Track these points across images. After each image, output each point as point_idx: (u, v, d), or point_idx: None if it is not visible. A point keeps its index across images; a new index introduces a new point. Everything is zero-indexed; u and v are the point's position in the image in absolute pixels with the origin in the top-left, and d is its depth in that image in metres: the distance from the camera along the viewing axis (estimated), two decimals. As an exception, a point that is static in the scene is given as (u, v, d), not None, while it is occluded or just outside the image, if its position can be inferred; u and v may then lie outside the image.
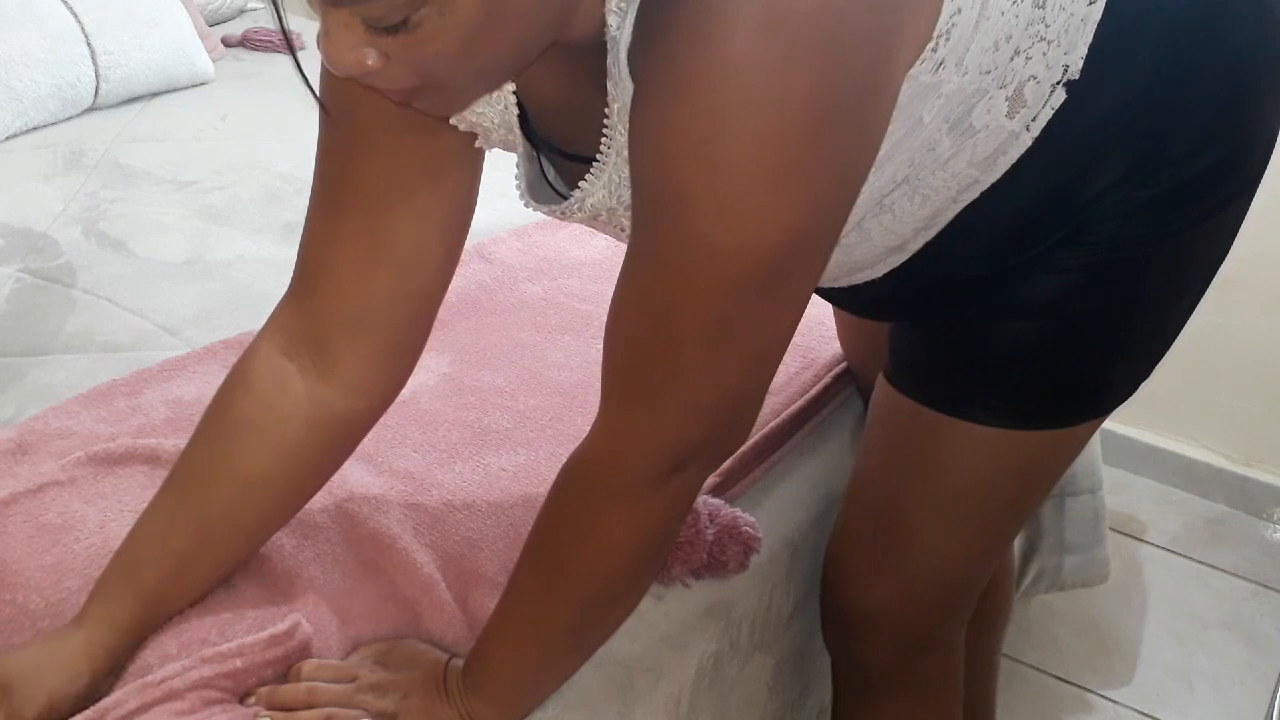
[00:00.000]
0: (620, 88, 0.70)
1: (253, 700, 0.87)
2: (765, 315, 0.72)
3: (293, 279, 0.91)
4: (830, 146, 0.66)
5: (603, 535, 0.80)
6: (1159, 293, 0.90)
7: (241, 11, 2.43)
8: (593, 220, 0.83)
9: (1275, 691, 1.72)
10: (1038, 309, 0.88)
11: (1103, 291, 0.88)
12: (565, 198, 0.83)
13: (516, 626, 0.85)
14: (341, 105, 0.82)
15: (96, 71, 1.90)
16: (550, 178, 0.86)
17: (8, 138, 1.79)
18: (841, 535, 1.09)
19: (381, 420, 1.17)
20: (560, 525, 0.83)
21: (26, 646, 0.87)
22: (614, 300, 0.75)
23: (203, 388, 1.19)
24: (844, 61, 0.64)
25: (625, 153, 0.72)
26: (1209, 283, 0.93)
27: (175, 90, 2.04)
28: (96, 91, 1.91)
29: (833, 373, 1.32)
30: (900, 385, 0.97)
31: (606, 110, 0.74)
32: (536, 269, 1.48)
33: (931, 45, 0.71)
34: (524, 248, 1.53)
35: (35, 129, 1.83)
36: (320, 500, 1.05)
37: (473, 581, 0.99)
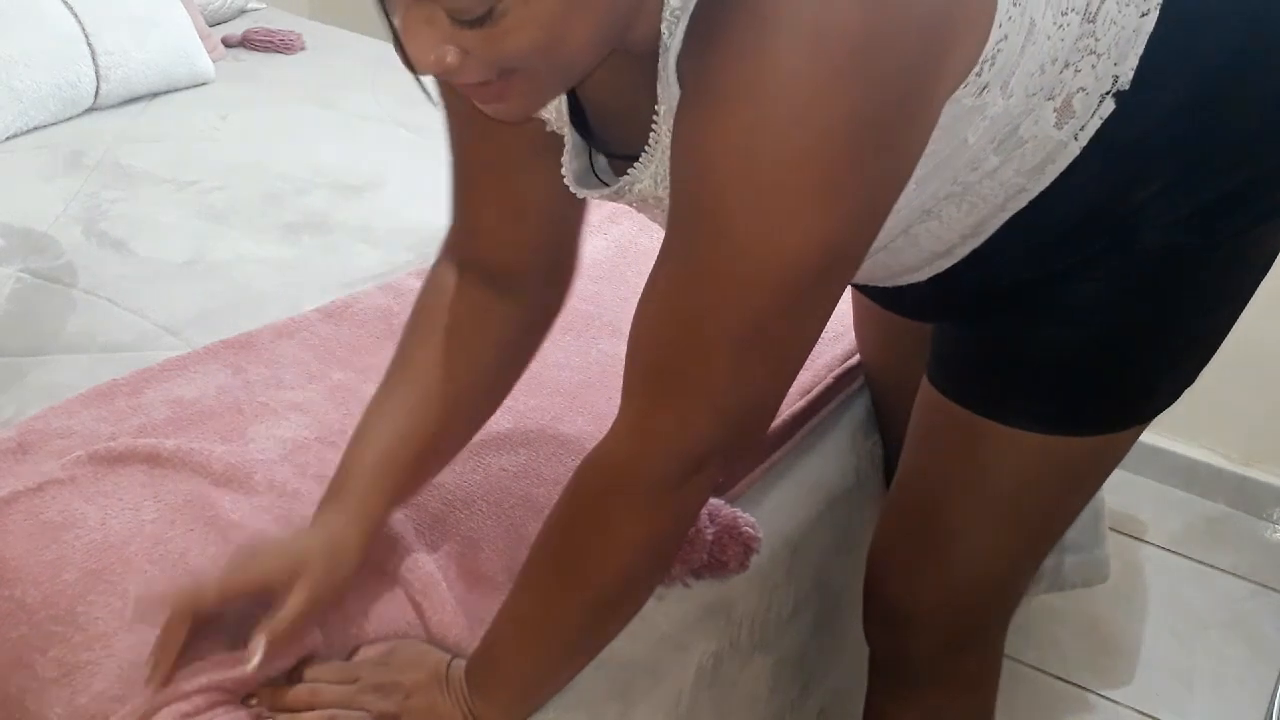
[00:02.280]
0: (667, 92, 0.71)
1: (255, 701, 0.87)
2: (794, 324, 0.73)
3: (451, 230, 0.98)
4: (867, 166, 0.67)
5: (620, 534, 0.81)
6: (1204, 300, 0.90)
7: (242, 12, 2.43)
8: (643, 204, 0.85)
9: (1275, 691, 1.72)
10: (1083, 315, 0.88)
11: (1148, 298, 0.88)
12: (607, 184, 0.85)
13: (525, 626, 0.86)
14: (448, 95, 0.88)
15: (97, 72, 1.90)
16: (598, 170, 0.88)
17: (8, 138, 1.79)
18: (885, 531, 1.10)
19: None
20: (577, 525, 0.83)
21: (302, 532, 0.91)
22: (644, 300, 0.76)
23: (203, 388, 1.19)
24: (886, 85, 0.65)
25: (669, 151, 0.73)
26: (1255, 289, 0.93)
27: (175, 90, 2.04)
28: (97, 92, 1.91)
29: (833, 373, 1.32)
30: (943, 388, 0.97)
31: (656, 109, 0.75)
32: (537, 269, 1.48)
33: (976, 70, 0.72)
34: (524, 248, 1.53)
35: (36, 129, 1.83)
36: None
37: (473, 581, 1.00)
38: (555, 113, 0.85)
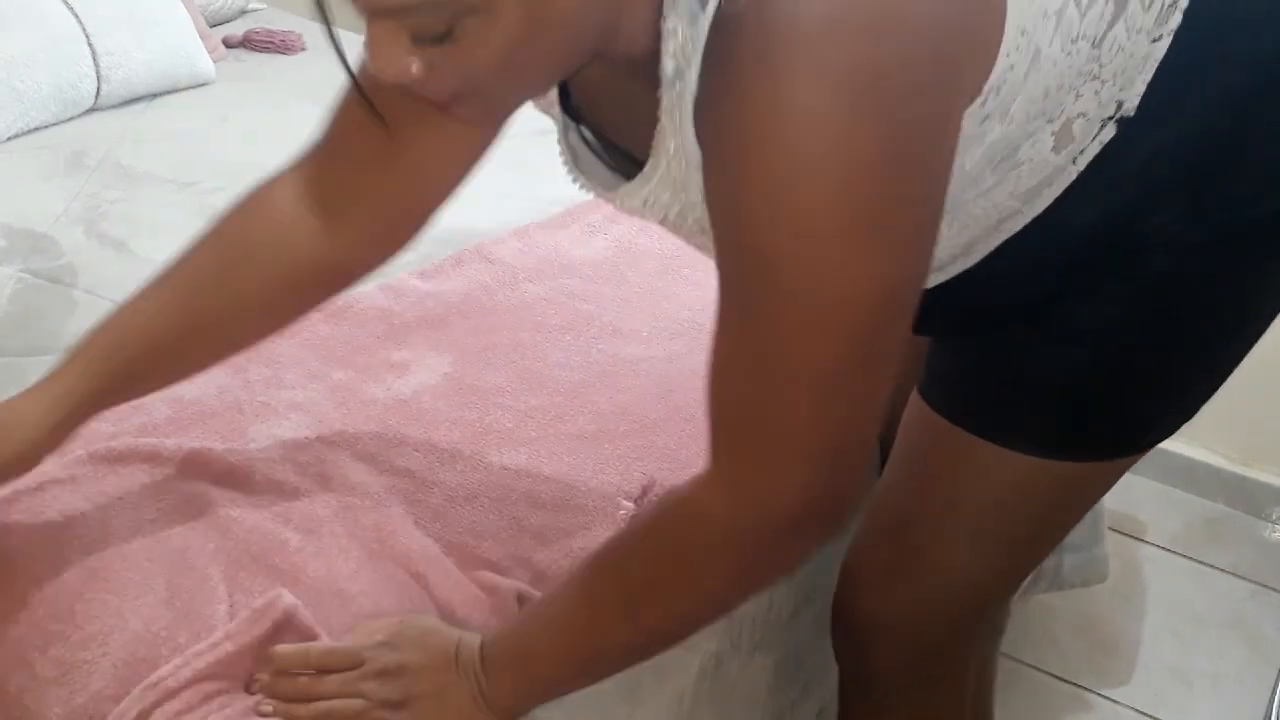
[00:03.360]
0: (677, 129, 0.71)
1: (256, 687, 0.87)
2: (867, 362, 0.71)
3: (317, 144, 0.94)
4: (907, 195, 0.67)
5: (698, 586, 0.79)
6: (1210, 333, 0.88)
7: (243, 12, 2.43)
8: (637, 212, 0.84)
9: (1274, 691, 1.72)
10: (1080, 336, 0.86)
11: (1149, 326, 0.86)
12: (609, 167, 0.84)
13: (567, 632, 0.84)
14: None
15: (98, 72, 1.90)
16: (593, 146, 0.86)
17: (9, 138, 1.79)
18: (859, 543, 1.08)
19: (382, 419, 1.17)
20: (656, 564, 0.81)
21: None
22: (714, 359, 0.74)
23: (204, 387, 1.19)
24: (910, 110, 0.64)
25: (674, 172, 0.73)
26: (1268, 325, 0.90)
27: (176, 91, 2.04)
28: (98, 92, 1.91)
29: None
30: (933, 401, 0.95)
31: (656, 131, 0.74)
32: (537, 269, 1.48)
33: (981, 99, 0.70)
34: (524, 248, 1.53)
35: (36, 129, 1.83)
36: (322, 498, 1.05)
37: (474, 568, 1.00)
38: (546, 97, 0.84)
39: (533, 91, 0.75)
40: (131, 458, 1.07)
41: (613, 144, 0.84)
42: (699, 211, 0.75)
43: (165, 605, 0.93)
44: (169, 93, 2.03)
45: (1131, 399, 0.90)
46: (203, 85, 2.08)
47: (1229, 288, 0.85)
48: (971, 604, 1.05)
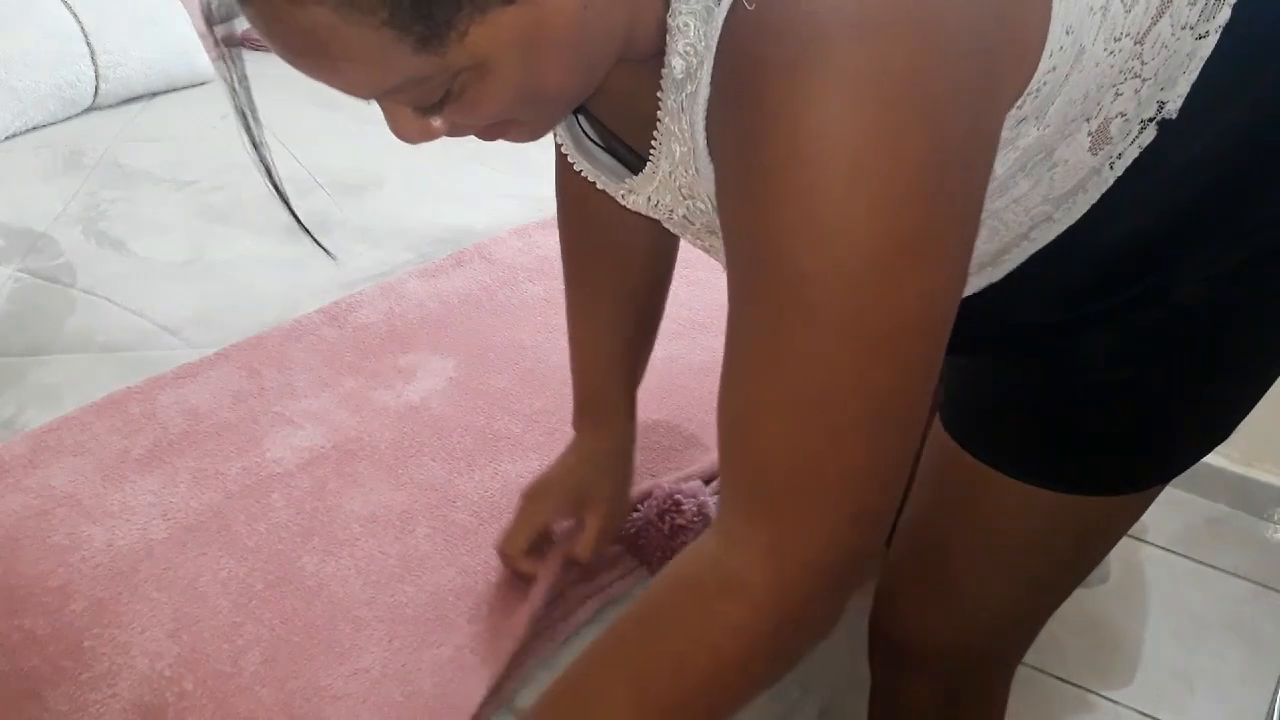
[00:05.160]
0: (684, 134, 0.67)
1: None
2: (919, 380, 0.65)
3: None
4: (952, 203, 0.61)
5: (750, 670, 0.70)
6: (1242, 362, 0.84)
7: (241, 10, 2.43)
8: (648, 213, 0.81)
9: (1275, 692, 1.72)
10: (1105, 369, 0.82)
11: (1179, 356, 0.81)
12: (600, 146, 0.81)
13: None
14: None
15: (96, 71, 1.90)
16: (589, 133, 0.83)
17: (7, 137, 1.79)
18: (892, 569, 1.05)
19: (397, 427, 1.16)
20: (694, 659, 0.69)
21: (575, 463, 1.00)
22: (740, 408, 0.67)
23: (218, 397, 1.19)
24: (951, 113, 0.59)
25: (679, 178, 0.70)
26: None
27: (175, 90, 2.04)
28: (96, 91, 1.91)
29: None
30: (955, 433, 0.92)
31: (655, 132, 0.70)
32: (537, 269, 1.48)
33: (1019, 103, 0.65)
34: (524, 248, 1.53)
35: (35, 129, 1.83)
36: (342, 519, 1.05)
37: (506, 584, 1.01)
38: None
39: (566, 107, 0.70)
40: (141, 476, 1.06)
41: (614, 137, 0.80)
42: (708, 216, 0.71)
43: (171, 639, 0.92)
44: (167, 92, 2.02)
45: (1156, 433, 0.86)
46: (201, 84, 2.08)
47: (1266, 315, 0.81)
48: (1003, 635, 1.03)
